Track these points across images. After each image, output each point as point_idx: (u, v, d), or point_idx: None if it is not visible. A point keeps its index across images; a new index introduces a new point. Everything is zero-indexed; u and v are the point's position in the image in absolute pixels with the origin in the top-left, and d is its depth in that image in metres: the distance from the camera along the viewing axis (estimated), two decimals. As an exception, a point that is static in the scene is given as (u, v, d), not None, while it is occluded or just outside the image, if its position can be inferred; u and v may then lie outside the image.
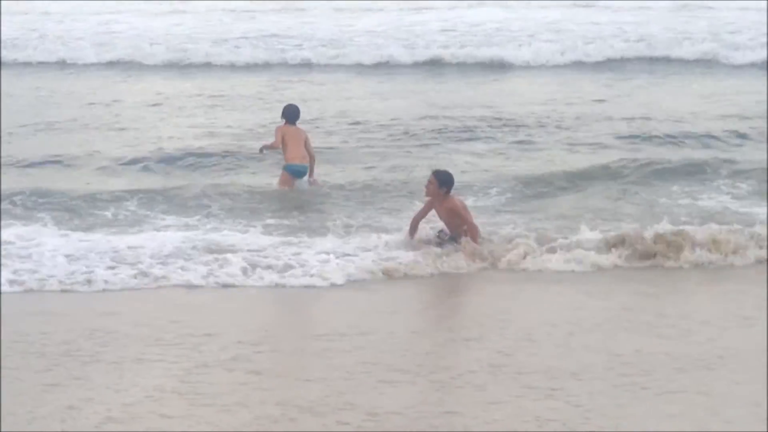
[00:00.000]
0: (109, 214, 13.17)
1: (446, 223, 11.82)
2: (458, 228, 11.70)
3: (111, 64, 27.10)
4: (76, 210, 13.27)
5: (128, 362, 8.51)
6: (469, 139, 17.51)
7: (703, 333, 9.22)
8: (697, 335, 9.16)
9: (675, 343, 8.88)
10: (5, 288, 10.53)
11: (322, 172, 14.74)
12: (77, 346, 8.89)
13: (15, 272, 10.88)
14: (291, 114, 14.12)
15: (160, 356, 8.64)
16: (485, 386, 7.97)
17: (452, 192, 11.82)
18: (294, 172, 14.02)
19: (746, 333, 9.16)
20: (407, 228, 11.97)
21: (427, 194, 11.87)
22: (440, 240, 11.79)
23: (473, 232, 11.60)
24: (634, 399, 7.72)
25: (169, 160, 16.12)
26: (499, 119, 18.80)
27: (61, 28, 32.16)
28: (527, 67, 25.91)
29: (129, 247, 11.65)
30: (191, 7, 37.00)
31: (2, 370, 8.31)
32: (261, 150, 14.43)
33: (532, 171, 15.19)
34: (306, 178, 14.11)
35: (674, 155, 15.96)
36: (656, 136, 17.31)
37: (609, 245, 11.45)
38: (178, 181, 14.94)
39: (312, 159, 14.12)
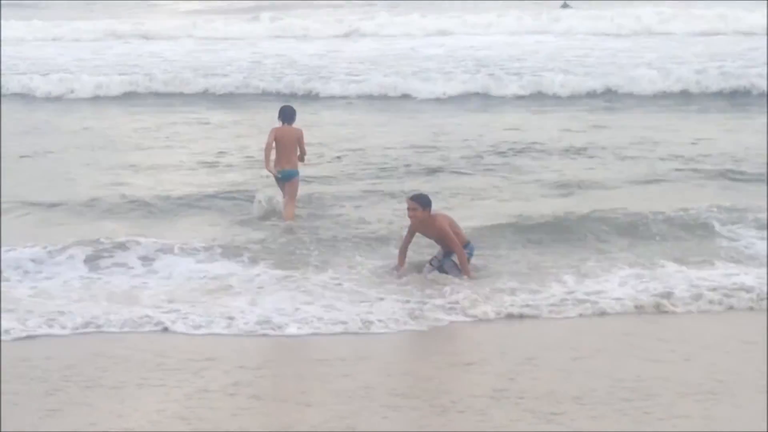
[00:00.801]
0: (113, 257, 12.39)
1: (437, 241, 11.81)
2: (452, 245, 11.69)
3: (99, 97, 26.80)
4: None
5: (130, 387, 8.51)
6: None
7: (704, 357, 9.23)
8: (698, 360, 9.16)
9: (676, 368, 8.88)
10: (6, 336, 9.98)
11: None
12: (78, 371, 8.89)
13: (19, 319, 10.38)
14: (286, 115, 14.22)
15: (162, 381, 8.64)
16: (487, 411, 7.97)
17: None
18: (279, 177, 14.13)
19: (747, 357, 9.15)
20: (397, 260, 11.88)
21: (414, 222, 11.74)
22: (432, 268, 11.75)
23: (460, 257, 11.54)
24: (636, 424, 7.72)
25: (170, 198, 15.59)
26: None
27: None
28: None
29: (132, 287, 11.43)
30: (185, 33, 37.11)
31: (4, 395, 8.31)
32: (268, 168, 14.23)
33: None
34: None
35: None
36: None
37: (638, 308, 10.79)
38: (184, 219, 14.68)
39: (302, 154, 14.12)
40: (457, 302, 10.75)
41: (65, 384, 8.60)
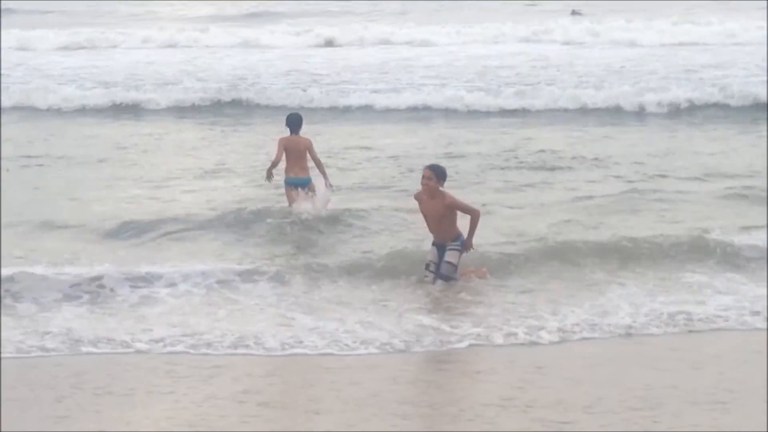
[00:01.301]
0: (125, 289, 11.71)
1: (437, 225, 11.68)
2: (447, 230, 11.62)
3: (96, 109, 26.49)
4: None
5: (139, 394, 8.51)
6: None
7: (713, 367, 9.23)
8: (708, 370, 9.16)
9: (685, 378, 8.88)
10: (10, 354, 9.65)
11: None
12: (87, 379, 8.89)
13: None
14: (293, 123, 14.27)
15: (171, 388, 8.65)
16: (496, 420, 7.97)
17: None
18: (292, 185, 14.20)
19: (757, 368, 9.13)
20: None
21: (427, 191, 11.62)
22: (433, 276, 11.64)
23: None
24: (645, 433, 7.73)
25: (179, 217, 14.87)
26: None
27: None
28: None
29: (141, 303, 11.07)
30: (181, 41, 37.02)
31: (13, 402, 8.31)
32: (268, 178, 14.33)
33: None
34: (319, 188, 14.11)
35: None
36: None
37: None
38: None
39: (319, 164, 14.21)
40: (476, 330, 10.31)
41: (74, 391, 8.61)
